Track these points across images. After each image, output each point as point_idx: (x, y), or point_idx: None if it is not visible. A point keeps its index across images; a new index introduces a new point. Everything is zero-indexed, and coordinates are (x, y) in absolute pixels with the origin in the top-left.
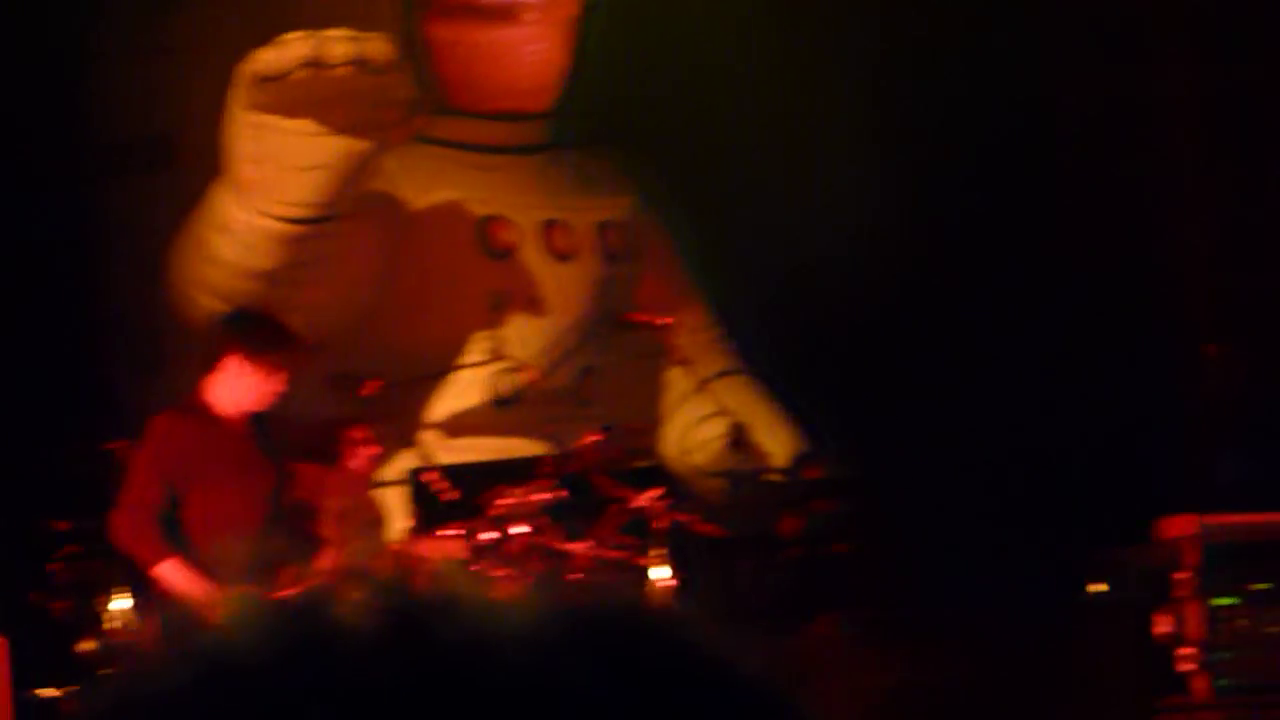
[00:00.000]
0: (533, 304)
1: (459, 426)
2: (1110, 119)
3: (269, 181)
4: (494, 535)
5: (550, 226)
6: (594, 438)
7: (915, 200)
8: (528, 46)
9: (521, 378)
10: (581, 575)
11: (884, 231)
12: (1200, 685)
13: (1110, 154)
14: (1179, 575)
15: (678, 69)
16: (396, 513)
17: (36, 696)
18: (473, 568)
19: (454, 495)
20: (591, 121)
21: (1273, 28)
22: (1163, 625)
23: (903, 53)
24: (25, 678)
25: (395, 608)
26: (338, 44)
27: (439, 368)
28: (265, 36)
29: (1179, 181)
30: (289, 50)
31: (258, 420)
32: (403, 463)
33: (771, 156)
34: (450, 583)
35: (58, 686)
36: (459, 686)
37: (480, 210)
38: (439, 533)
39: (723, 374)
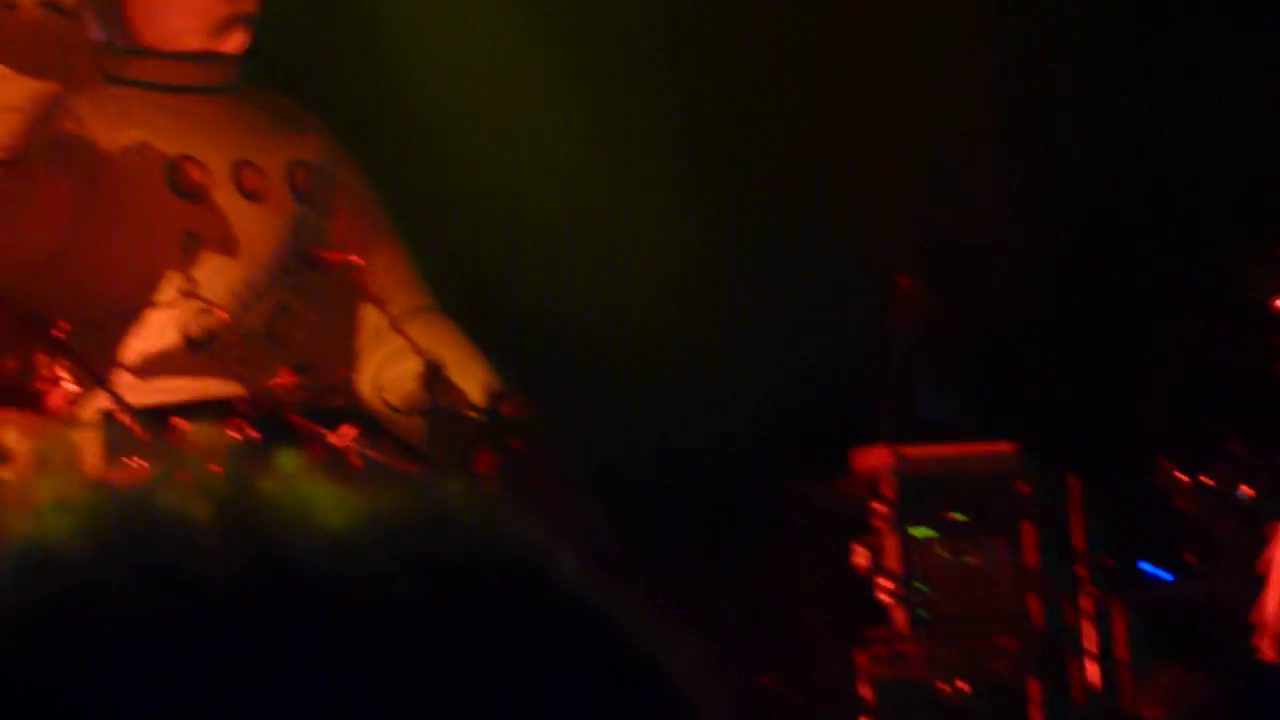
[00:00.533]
0: (224, 244)
1: (152, 368)
2: (802, 51)
3: None
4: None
5: (241, 166)
6: (288, 377)
7: (588, 131)
8: None
9: (214, 318)
10: None
11: (570, 161)
12: (899, 617)
13: (807, 84)
14: (875, 507)
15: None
16: (90, 454)
17: None
18: None
19: (146, 436)
20: (279, 61)
21: None
22: (860, 557)
23: None
24: None
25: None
26: None
27: (131, 308)
28: None
29: (875, 111)
30: None
31: None
32: (96, 404)
33: (467, 85)
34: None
35: None
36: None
37: (170, 150)
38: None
39: (416, 311)
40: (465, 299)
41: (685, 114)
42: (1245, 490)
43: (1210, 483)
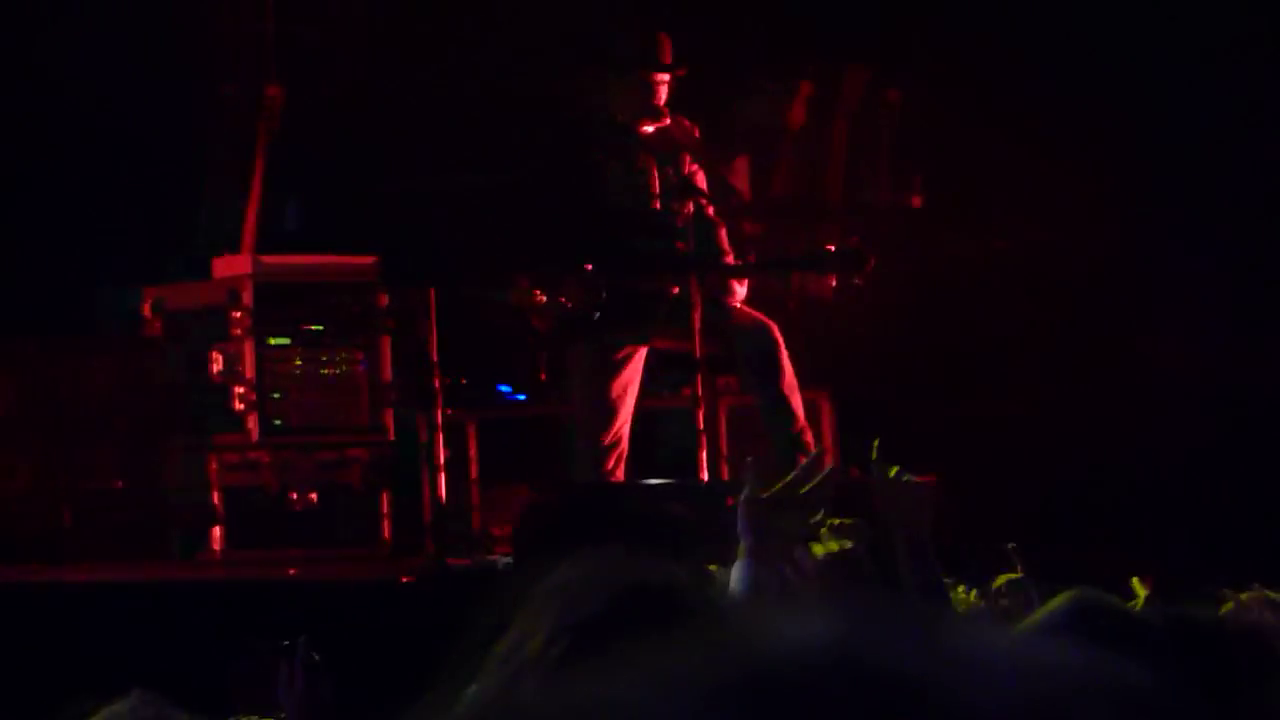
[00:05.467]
0: None
1: None
2: None
3: None
4: None
5: None
6: None
7: None
8: None
9: None
10: None
11: None
12: (252, 424)
13: None
14: (234, 314)
15: None
16: None
17: None
18: None
19: None
20: None
21: None
22: (216, 364)
23: None
24: None
25: None
26: None
27: None
28: None
29: None
30: None
31: None
32: None
33: None
34: None
35: None
36: None
37: None
38: None
39: None
40: None
41: None
42: (599, 315)
43: (565, 304)
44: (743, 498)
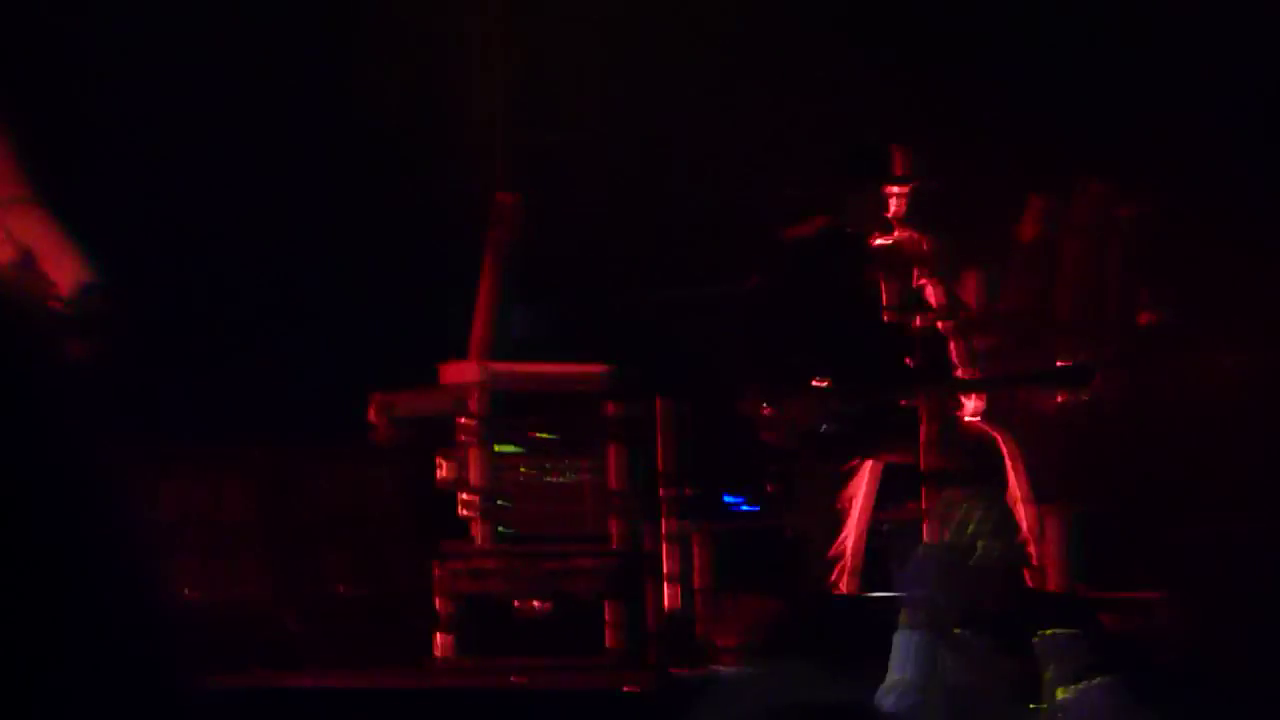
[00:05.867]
0: None
1: None
2: None
3: None
4: None
5: None
6: None
7: None
8: None
9: None
10: None
11: None
12: (480, 532)
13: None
14: (462, 421)
15: None
16: None
17: None
18: None
19: None
20: None
21: None
22: (445, 470)
23: None
24: None
25: None
26: None
27: None
28: None
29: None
30: None
31: None
32: None
33: None
34: None
35: None
36: None
37: None
38: None
39: (12, 201)
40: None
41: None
42: (827, 427)
43: (794, 418)
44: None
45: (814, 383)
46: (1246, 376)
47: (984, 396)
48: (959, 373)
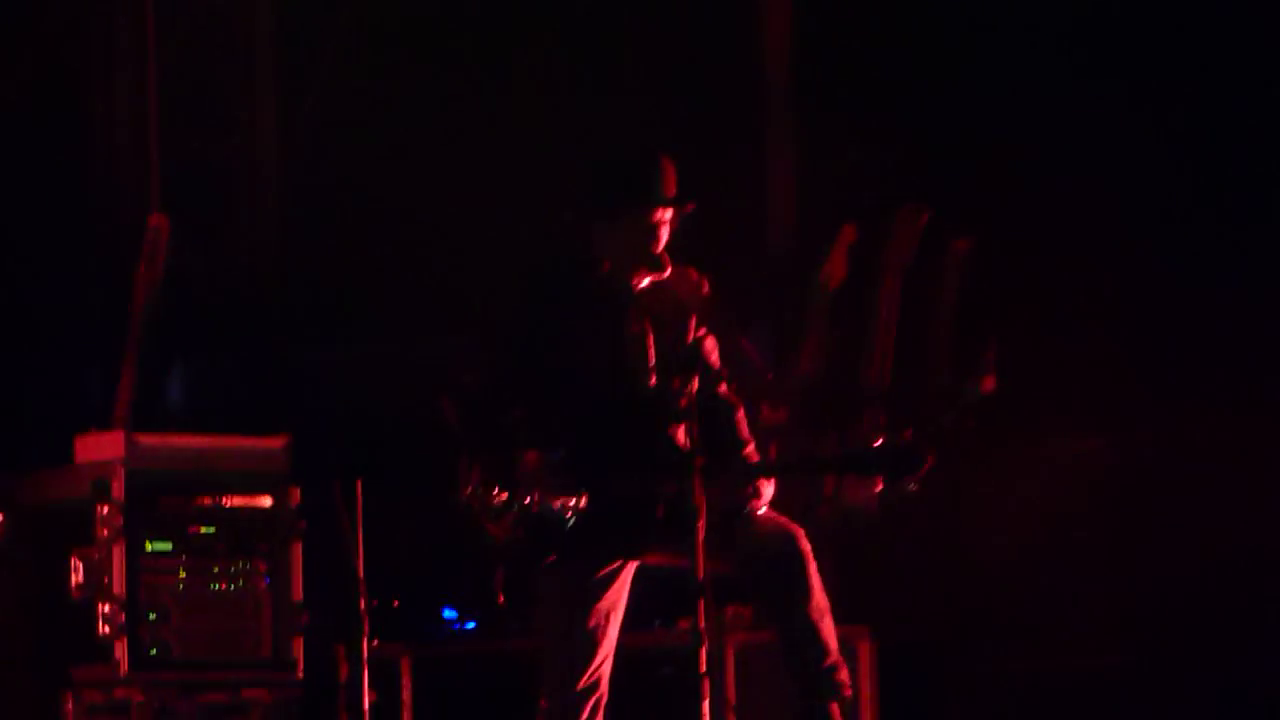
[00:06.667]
0: None
1: None
2: None
3: None
4: None
5: None
6: None
7: None
8: None
9: None
10: None
11: None
12: (123, 655)
13: None
14: (103, 511)
15: None
16: None
17: None
18: None
19: None
20: None
21: None
22: (80, 575)
23: None
24: None
25: None
26: None
27: None
28: None
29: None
30: None
31: None
32: None
33: None
34: None
35: None
36: None
37: None
38: None
39: None
40: None
41: None
42: (573, 520)
43: (532, 504)
44: None
45: (555, 459)
46: (1086, 469)
47: (776, 483)
48: (748, 450)
